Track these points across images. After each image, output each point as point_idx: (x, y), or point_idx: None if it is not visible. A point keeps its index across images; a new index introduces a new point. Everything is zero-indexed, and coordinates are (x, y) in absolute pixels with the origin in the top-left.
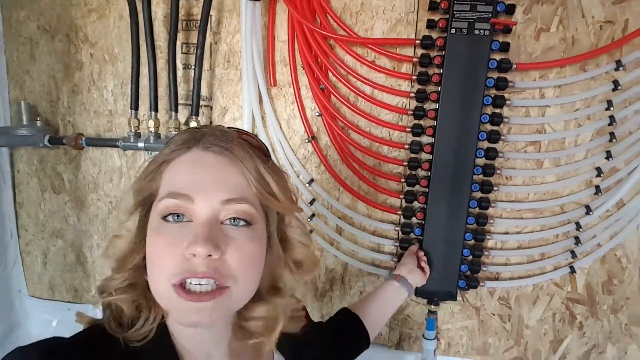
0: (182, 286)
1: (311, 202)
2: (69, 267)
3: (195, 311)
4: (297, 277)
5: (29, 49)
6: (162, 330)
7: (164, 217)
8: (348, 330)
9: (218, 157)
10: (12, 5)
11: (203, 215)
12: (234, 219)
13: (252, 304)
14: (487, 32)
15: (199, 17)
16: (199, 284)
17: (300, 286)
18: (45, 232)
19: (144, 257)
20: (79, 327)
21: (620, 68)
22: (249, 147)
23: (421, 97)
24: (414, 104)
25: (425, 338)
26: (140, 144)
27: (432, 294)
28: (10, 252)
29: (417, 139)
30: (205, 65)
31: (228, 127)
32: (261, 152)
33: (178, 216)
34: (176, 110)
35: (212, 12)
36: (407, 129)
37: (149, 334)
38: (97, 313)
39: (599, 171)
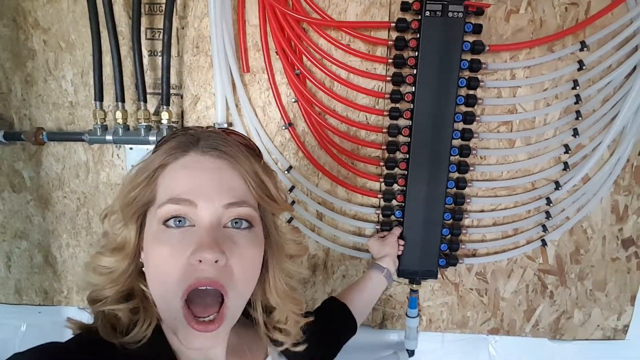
0: (189, 302)
1: (290, 189)
2: (37, 269)
3: (202, 339)
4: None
5: None
6: (158, 332)
7: (165, 222)
8: (338, 319)
9: (217, 161)
10: None
11: (207, 220)
12: (237, 220)
13: (277, 300)
14: (460, 15)
15: (162, 1)
16: (206, 288)
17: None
18: (7, 233)
19: (138, 264)
20: (52, 330)
21: (585, 48)
22: (244, 148)
23: (397, 80)
24: (390, 87)
25: (408, 316)
26: (109, 137)
27: (413, 274)
28: None
29: (395, 122)
30: (173, 51)
31: (220, 129)
32: (255, 152)
33: (180, 221)
34: (145, 100)
35: None
36: (385, 113)
37: (145, 338)
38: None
39: (566, 148)
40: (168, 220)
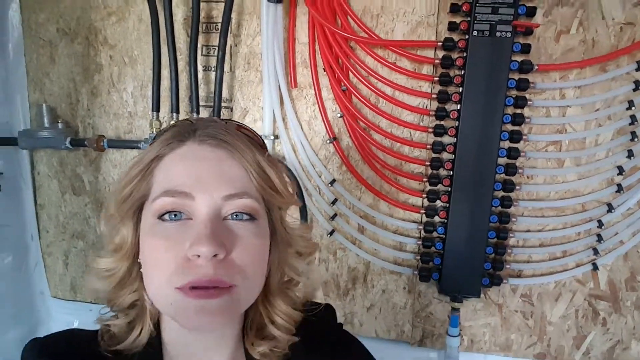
0: (185, 289)
1: (333, 202)
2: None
3: (200, 311)
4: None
5: (49, 52)
6: (154, 340)
7: (160, 217)
8: None
9: (216, 150)
10: (32, 8)
11: (204, 213)
12: (237, 213)
13: (272, 299)
14: (509, 35)
15: (218, 20)
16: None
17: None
18: (66, 233)
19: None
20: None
21: None
22: (245, 138)
23: (443, 98)
24: (435, 104)
25: (449, 335)
26: None
27: (455, 291)
28: (31, 254)
29: (439, 139)
30: (226, 67)
31: (221, 119)
32: (258, 143)
33: (176, 214)
34: (198, 112)
35: (232, 15)
36: (429, 130)
37: (139, 346)
38: None
39: (620, 170)
40: (163, 215)
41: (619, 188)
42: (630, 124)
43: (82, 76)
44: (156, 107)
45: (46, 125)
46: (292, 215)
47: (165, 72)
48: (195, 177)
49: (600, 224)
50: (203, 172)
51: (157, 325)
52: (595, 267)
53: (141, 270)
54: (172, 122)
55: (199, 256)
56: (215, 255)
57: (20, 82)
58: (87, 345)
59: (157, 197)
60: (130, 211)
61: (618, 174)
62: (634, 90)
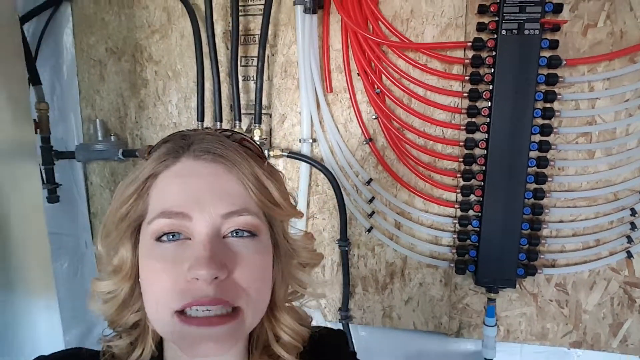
0: (184, 313)
1: (370, 200)
2: None
3: (205, 339)
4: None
5: (99, 71)
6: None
7: (158, 238)
8: None
9: (212, 166)
10: (83, 32)
11: (203, 233)
12: (237, 231)
13: (277, 313)
14: (536, 32)
15: (255, 32)
16: (207, 310)
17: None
18: None
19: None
20: None
21: None
22: (242, 150)
23: (474, 96)
24: (466, 103)
25: (485, 325)
26: None
27: (491, 282)
28: (86, 260)
29: (471, 135)
30: (264, 76)
31: (216, 130)
32: (256, 153)
33: (174, 235)
34: (240, 120)
35: (269, 27)
36: (461, 127)
37: None
38: None
39: None
40: (161, 236)
41: None
42: None
43: (130, 91)
44: (201, 117)
45: (99, 138)
46: (294, 226)
47: (208, 84)
48: (192, 196)
49: (634, 212)
50: (200, 190)
51: (159, 345)
52: (629, 255)
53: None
54: (164, 137)
55: (198, 279)
56: (216, 278)
57: (74, 100)
58: None
59: (154, 218)
60: (128, 231)
61: None
62: None
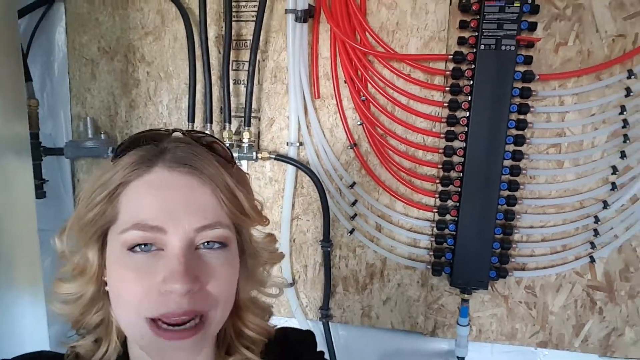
0: (156, 322)
1: (353, 203)
2: None
3: (176, 350)
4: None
5: (90, 69)
6: (122, 358)
7: (131, 249)
8: None
9: (186, 178)
10: (76, 31)
11: (177, 246)
12: (209, 242)
13: (241, 313)
14: (512, 48)
15: (247, 38)
16: (179, 318)
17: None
18: None
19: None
20: None
21: (632, 77)
22: (214, 158)
23: (454, 106)
24: (446, 112)
25: (459, 325)
26: None
27: (465, 284)
28: None
29: (450, 143)
30: (254, 80)
31: (186, 131)
32: (226, 159)
33: (146, 245)
34: (229, 122)
35: (261, 33)
36: (441, 135)
37: None
38: None
39: (614, 169)
40: (134, 247)
41: (613, 186)
42: (622, 127)
43: (121, 90)
44: (191, 118)
45: (90, 136)
46: (259, 229)
47: (199, 86)
48: (166, 210)
49: (597, 219)
50: (174, 203)
51: (123, 343)
52: (592, 260)
53: (107, 289)
54: (132, 136)
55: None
56: (189, 290)
57: (64, 98)
58: None
59: (127, 229)
60: (95, 236)
61: (612, 174)
62: (626, 96)
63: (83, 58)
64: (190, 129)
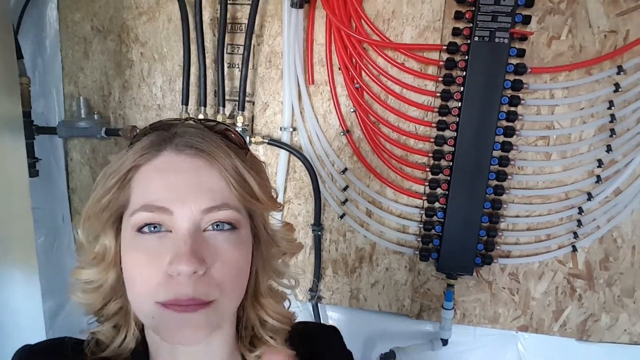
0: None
1: (344, 189)
2: None
3: (182, 324)
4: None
5: (83, 48)
6: (140, 345)
7: (139, 229)
8: None
9: (193, 160)
10: (68, 8)
11: (184, 227)
12: (218, 223)
13: (262, 300)
14: (506, 40)
15: (242, 21)
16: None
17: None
18: None
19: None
20: None
21: (622, 72)
22: (224, 143)
23: (446, 96)
24: (438, 102)
25: (444, 309)
26: None
27: (451, 269)
28: (63, 234)
29: (441, 133)
30: (249, 64)
31: (199, 120)
32: (238, 145)
33: (155, 227)
34: (223, 105)
35: (256, 17)
36: (432, 124)
37: (125, 351)
38: None
39: (600, 163)
40: (142, 227)
41: (598, 179)
42: (610, 122)
43: (114, 71)
44: (185, 101)
45: (83, 116)
46: (274, 216)
47: (193, 69)
48: (173, 191)
49: (581, 210)
50: (181, 185)
51: (141, 330)
52: (574, 249)
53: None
54: (147, 126)
55: (179, 273)
56: (195, 272)
57: (56, 76)
58: (73, 355)
59: (136, 211)
60: (110, 221)
61: (598, 167)
62: (615, 91)
63: (75, 36)
64: (203, 118)
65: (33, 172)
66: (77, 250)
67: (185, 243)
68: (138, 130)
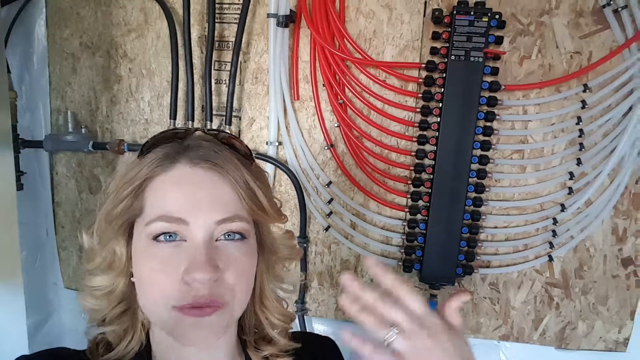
0: (181, 309)
1: (329, 201)
2: None
3: (196, 326)
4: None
5: (71, 63)
6: (144, 351)
7: (155, 238)
8: None
9: (208, 174)
10: (57, 24)
11: (199, 237)
12: (229, 233)
13: (266, 302)
14: (480, 59)
15: (229, 39)
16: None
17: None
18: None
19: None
20: None
21: (587, 90)
22: (235, 156)
23: (425, 111)
24: (419, 117)
25: None
26: None
27: (434, 280)
28: (46, 248)
29: (422, 147)
30: (236, 80)
31: (208, 130)
32: (245, 156)
33: (170, 235)
34: (211, 120)
35: (243, 35)
36: (413, 139)
37: (129, 353)
38: None
39: (571, 175)
40: (158, 236)
41: (570, 191)
42: (579, 136)
43: (102, 86)
44: (173, 115)
45: (70, 130)
46: (279, 225)
47: (181, 84)
48: (190, 203)
49: (555, 221)
50: (197, 198)
51: (147, 336)
52: (550, 259)
53: (132, 280)
54: (158, 134)
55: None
56: (210, 279)
57: (44, 90)
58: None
59: (152, 221)
60: (122, 228)
61: (569, 179)
62: (582, 107)
63: (64, 52)
64: (210, 127)
65: (18, 185)
66: (86, 257)
67: (201, 253)
68: (148, 140)
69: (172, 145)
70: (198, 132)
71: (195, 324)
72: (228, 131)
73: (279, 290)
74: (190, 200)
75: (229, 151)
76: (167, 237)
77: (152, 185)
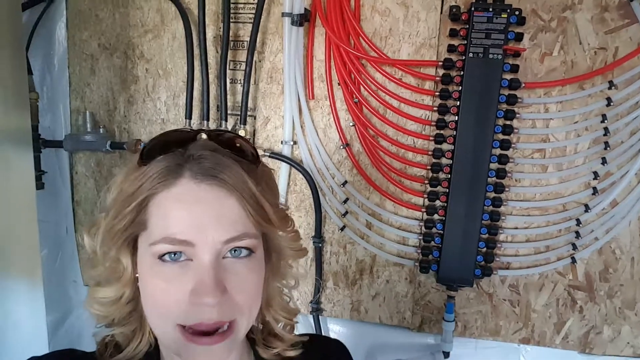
0: (187, 328)
1: (345, 201)
2: None
3: (206, 354)
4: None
5: (90, 64)
6: (154, 351)
7: (160, 257)
8: None
9: (213, 190)
10: (77, 27)
11: (206, 259)
12: (236, 249)
13: (272, 302)
14: (500, 56)
15: (244, 39)
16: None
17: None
18: None
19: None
20: None
21: (613, 87)
22: (240, 164)
23: (443, 110)
24: (436, 116)
25: (445, 321)
26: None
27: (451, 281)
28: (66, 246)
29: (439, 146)
30: (251, 80)
31: (212, 131)
32: (251, 159)
33: (176, 254)
34: (226, 119)
35: (258, 35)
36: (430, 138)
37: (139, 353)
38: None
39: (595, 175)
40: (163, 255)
41: (595, 191)
42: (604, 135)
43: (120, 86)
44: (189, 115)
45: (88, 130)
46: None
47: (197, 84)
48: (194, 224)
49: (579, 222)
50: (202, 218)
51: (155, 337)
52: (573, 261)
53: (138, 285)
54: (159, 137)
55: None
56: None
57: (64, 92)
58: None
59: (157, 242)
60: (126, 242)
61: (594, 179)
62: (607, 105)
63: (83, 53)
64: (213, 128)
65: (39, 184)
66: (90, 263)
67: (209, 274)
68: (145, 144)
69: (174, 155)
70: (201, 138)
71: (205, 351)
72: (238, 131)
73: (284, 289)
74: (195, 220)
75: (234, 158)
76: (173, 256)
77: (154, 202)
